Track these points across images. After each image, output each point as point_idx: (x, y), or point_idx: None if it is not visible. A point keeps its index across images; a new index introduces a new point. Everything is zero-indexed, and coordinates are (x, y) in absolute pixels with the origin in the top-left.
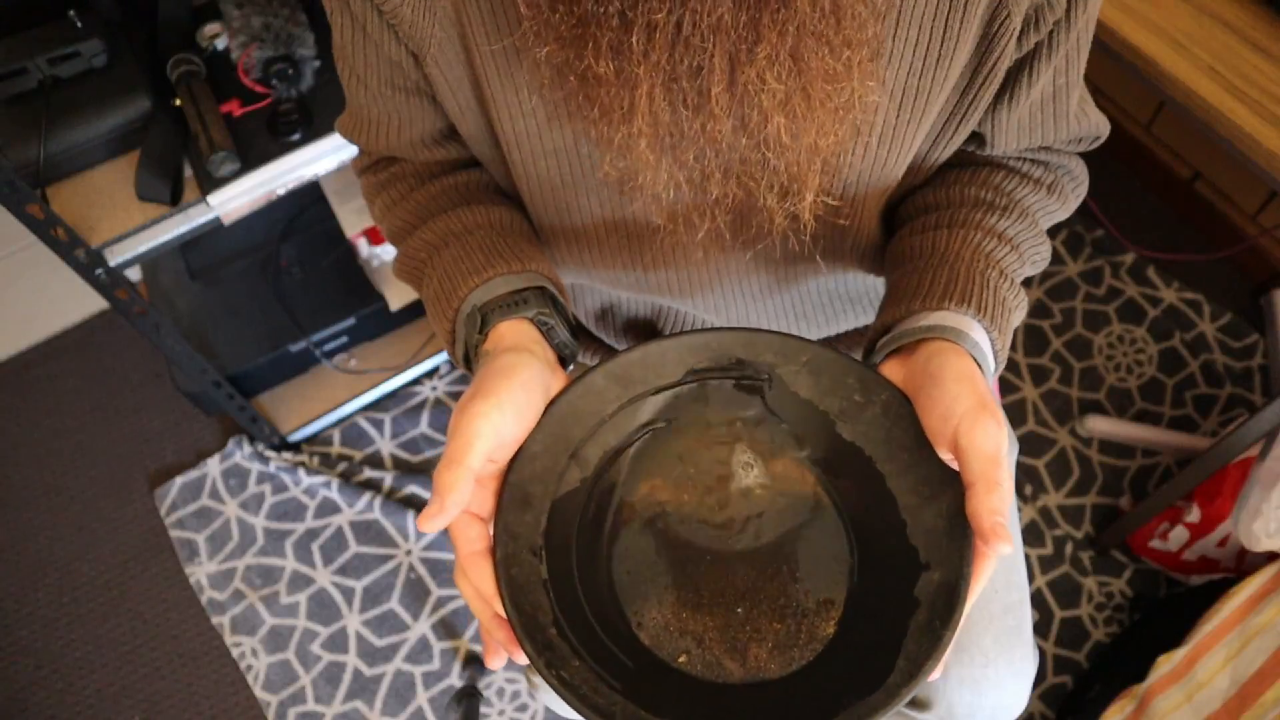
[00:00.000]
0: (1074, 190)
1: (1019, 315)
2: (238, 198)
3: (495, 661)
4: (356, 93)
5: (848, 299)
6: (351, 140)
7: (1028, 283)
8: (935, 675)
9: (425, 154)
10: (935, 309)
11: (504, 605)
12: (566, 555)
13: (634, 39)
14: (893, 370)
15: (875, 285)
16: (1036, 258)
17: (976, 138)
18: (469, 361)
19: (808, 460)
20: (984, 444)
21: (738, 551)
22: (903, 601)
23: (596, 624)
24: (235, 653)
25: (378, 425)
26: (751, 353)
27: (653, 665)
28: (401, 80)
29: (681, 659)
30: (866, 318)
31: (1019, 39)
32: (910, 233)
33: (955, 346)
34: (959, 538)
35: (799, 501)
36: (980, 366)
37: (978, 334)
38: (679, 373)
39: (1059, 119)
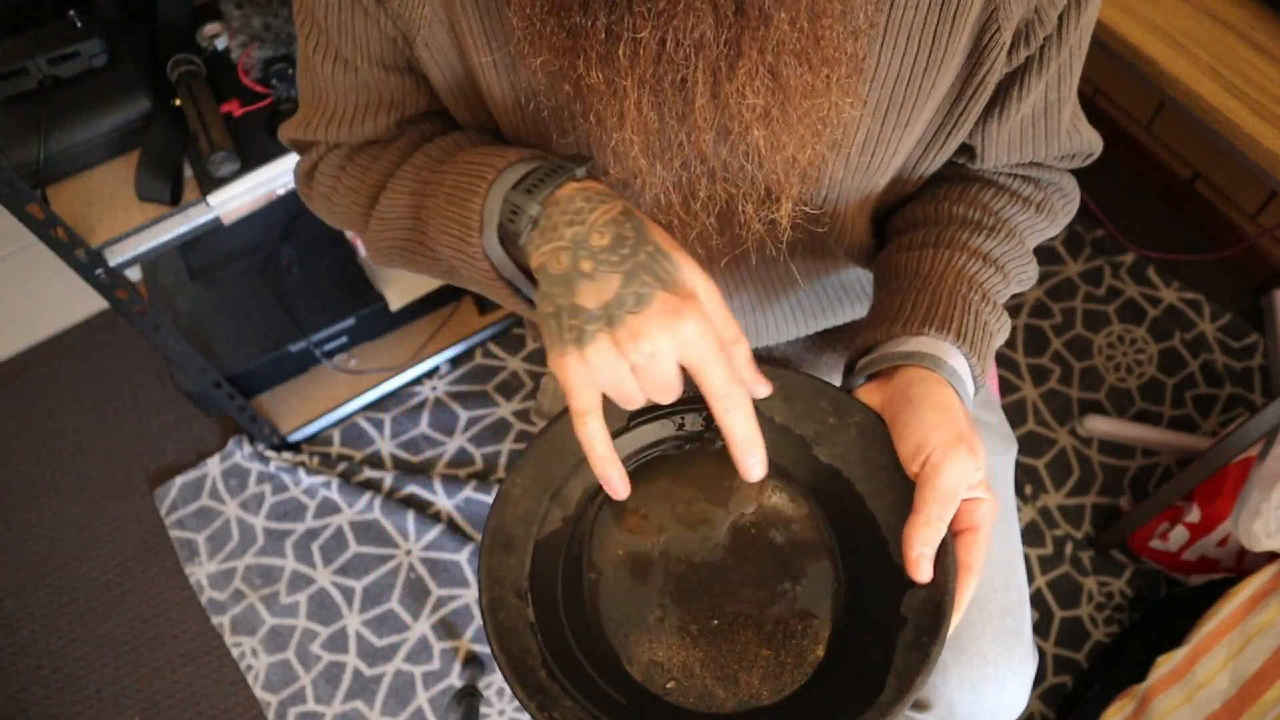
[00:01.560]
0: (1064, 208)
1: (1001, 338)
2: (238, 198)
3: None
4: (336, 81)
5: (840, 288)
6: (310, 138)
7: None
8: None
9: (397, 132)
10: (915, 334)
11: (492, 650)
12: (552, 596)
13: (620, 52)
14: (871, 394)
15: (867, 274)
16: (1023, 277)
17: (967, 150)
18: (505, 243)
19: (787, 485)
20: (947, 478)
21: (722, 581)
22: (890, 619)
23: (586, 663)
24: (235, 653)
25: (378, 425)
26: None
27: (645, 700)
28: (393, 58)
29: (673, 691)
30: (863, 309)
31: (1009, 53)
32: (897, 249)
33: (935, 375)
34: (941, 553)
35: (780, 527)
36: (959, 393)
37: (956, 360)
38: (656, 407)
39: (1050, 135)
